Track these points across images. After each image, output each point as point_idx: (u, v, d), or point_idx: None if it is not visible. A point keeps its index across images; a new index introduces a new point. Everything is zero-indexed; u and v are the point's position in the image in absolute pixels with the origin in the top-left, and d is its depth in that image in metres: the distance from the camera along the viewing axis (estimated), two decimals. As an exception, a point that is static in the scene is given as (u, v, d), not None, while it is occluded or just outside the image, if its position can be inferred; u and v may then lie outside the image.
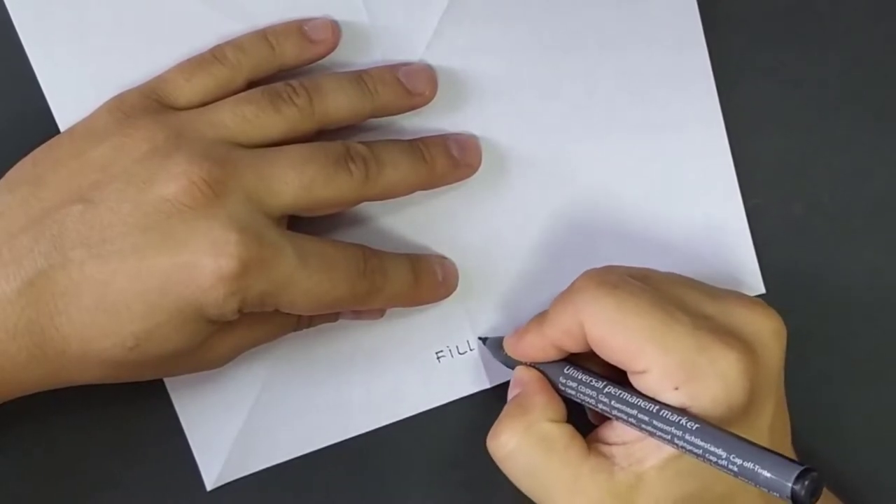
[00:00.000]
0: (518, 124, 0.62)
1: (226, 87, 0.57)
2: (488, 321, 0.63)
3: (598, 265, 0.60)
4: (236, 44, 0.57)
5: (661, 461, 0.54)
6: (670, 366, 0.53)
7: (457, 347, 0.63)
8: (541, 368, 0.59)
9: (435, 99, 0.60)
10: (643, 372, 0.54)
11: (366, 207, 0.61)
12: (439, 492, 0.64)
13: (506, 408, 0.58)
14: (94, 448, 0.62)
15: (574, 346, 0.56)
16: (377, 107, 0.58)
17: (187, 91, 0.56)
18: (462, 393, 0.63)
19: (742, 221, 0.64)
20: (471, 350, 0.63)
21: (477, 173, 0.61)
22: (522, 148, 0.62)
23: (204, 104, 0.56)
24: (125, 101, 0.56)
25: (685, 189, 0.63)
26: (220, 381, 0.60)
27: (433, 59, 0.61)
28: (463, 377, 0.63)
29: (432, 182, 0.60)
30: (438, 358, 0.63)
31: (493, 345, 0.62)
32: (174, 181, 0.52)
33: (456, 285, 0.62)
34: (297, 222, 0.57)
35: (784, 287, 0.60)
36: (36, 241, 0.52)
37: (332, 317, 0.61)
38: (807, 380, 0.60)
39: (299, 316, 0.59)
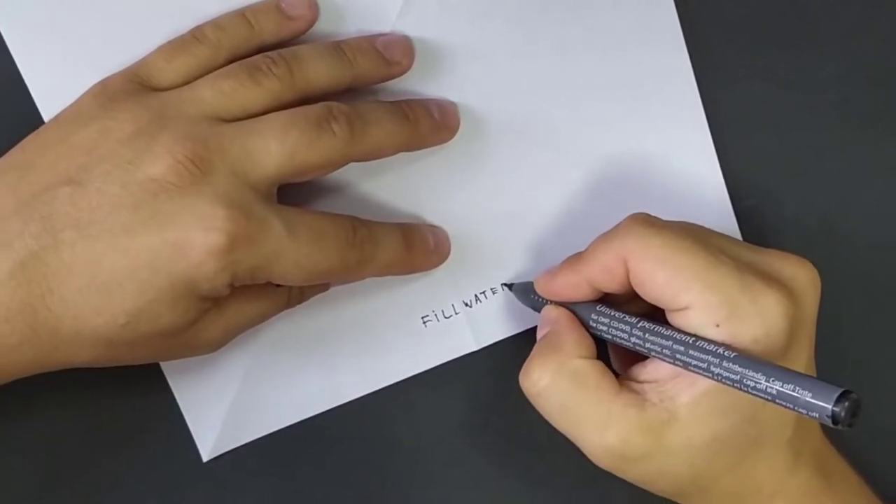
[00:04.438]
0: (492, 88, 0.62)
1: (207, 66, 0.57)
2: (473, 284, 0.64)
3: (578, 224, 0.62)
4: (216, 23, 0.57)
5: (694, 398, 0.54)
6: (713, 302, 0.53)
7: (442, 312, 0.63)
8: (570, 308, 0.59)
9: (410, 66, 0.61)
10: (685, 308, 0.54)
11: (351, 179, 0.62)
12: (435, 462, 0.65)
13: (536, 346, 0.58)
14: (94, 428, 0.63)
15: (610, 285, 0.57)
16: (356, 75, 0.58)
17: (169, 72, 0.57)
18: (449, 356, 0.64)
19: (717, 171, 0.64)
20: (456, 314, 0.64)
21: (454, 139, 0.61)
22: (498, 111, 0.62)
23: (187, 84, 0.56)
24: (109, 86, 0.56)
25: (661, 144, 0.64)
26: (212, 355, 0.60)
27: (405, 28, 0.60)
28: (450, 340, 0.64)
29: (416, 142, 0.60)
30: (425, 323, 0.63)
31: (520, 289, 0.63)
32: (160, 161, 0.52)
33: (448, 252, 0.63)
34: (287, 194, 0.57)
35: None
36: (26, 223, 0.52)
37: (323, 287, 0.61)
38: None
39: (290, 294, 0.59)
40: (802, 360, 0.56)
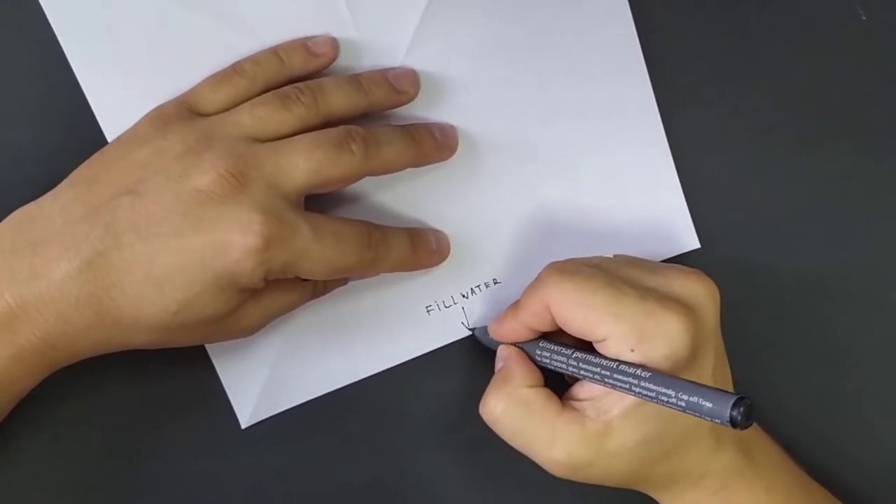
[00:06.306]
0: (486, 113, 0.65)
1: (245, 95, 0.60)
2: (469, 280, 0.67)
3: (558, 228, 0.66)
4: (253, 59, 0.61)
5: (624, 410, 0.58)
6: (624, 332, 0.57)
7: (443, 302, 0.67)
8: (520, 346, 0.62)
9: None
10: (603, 340, 0.57)
11: (366, 190, 0.64)
12: (438, 429, 0.68)
13: (492, 380, 0.62)
14: (149, 400, 0.66)
15: (543, 326, 0.61)
16: (371, 103, 0.61)
17: (214, 100, 0.60)
18: (449, 339, 0.67)
19: (676, 183, 0.67)
20: (454, 304, 0.67)
21: (454, 157, 0.64)
22: (490, 133, 0.65)
23: (228, 110, 0.59)
24: (163, 112, 0.60)
25: (628, 161, 0.67)
26: (249, 338, 0.62)
27: (412, 63, 0.64)
28: (449, 326, 0.67)
29: (421, 159, 0.62)
30: (428, 311, 0.67)
31: (481, 332, 0.66)
32: (206, 174, 0.56)
33: (448, 253, 0.65)
34: (311, 201, 0.59)
35: (724, 280, 0.61)
36: (92, 227, 0.56)
37: (343, 281, 0.65)
38: (742, 355, 0.63)
39: (315, 287, 0.62)
40: (708, 365, 0.59)
